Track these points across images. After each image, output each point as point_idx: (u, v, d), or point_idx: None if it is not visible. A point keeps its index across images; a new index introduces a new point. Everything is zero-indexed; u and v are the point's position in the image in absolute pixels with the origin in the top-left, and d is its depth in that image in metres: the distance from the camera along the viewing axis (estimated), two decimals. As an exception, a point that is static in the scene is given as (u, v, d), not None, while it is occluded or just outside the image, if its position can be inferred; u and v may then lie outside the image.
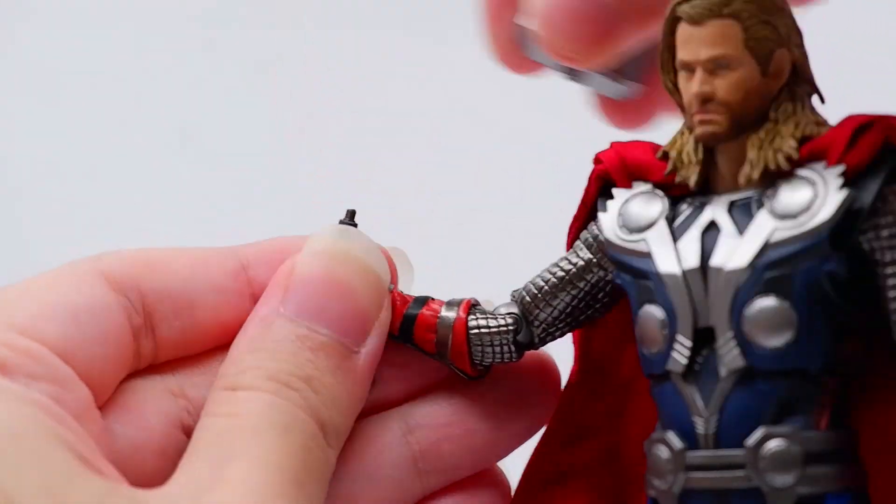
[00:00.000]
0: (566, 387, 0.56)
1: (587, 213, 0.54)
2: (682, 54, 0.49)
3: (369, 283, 0.51)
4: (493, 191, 0.99)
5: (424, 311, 0.54)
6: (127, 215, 1.10)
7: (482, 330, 0.54)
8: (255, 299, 0.52)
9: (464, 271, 0.86)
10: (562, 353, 0.57)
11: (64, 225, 1.10)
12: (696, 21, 0.48)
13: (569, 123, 1.01)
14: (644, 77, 0.57)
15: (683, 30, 0.49)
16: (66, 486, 0.43)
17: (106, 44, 1.10)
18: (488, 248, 0.97)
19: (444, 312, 0.54)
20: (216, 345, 0.52)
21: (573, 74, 0.57)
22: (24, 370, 0.45)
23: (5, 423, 0.43)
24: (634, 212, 0.51)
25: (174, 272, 0.52)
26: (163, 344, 0.52)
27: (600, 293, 0.53)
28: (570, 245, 0.54)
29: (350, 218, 0.55)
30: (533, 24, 0.52)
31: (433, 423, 0.55)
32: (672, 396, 0.49)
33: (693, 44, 0.49)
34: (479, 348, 0.54)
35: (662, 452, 0.49)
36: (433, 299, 0.55)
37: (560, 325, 0.54)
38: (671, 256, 0.49)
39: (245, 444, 0.46)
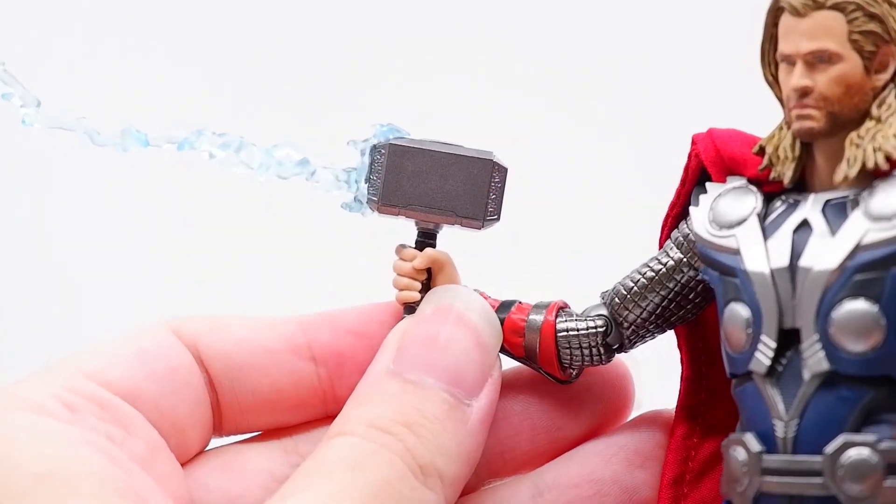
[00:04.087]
0: (682, 391, 0.54)
1: (683, 206, 0.52)
2: (784, 46, 0.48)
3: (481, 343, 0.51)
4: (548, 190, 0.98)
5: (512, 314, 0.53)
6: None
7: (570, 332, 0.53)
8: (314, 361, 0.54)
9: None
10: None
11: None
12: (799, 12, 0.47)
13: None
14: None
15: (786, 21, 0.48)
16: None
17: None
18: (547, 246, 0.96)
19: (532, 316, 0.53)
20: (272, 407, 0.54)
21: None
22: (91, 412, 0.48)
23: (57, 465, 0.45)
24: (726, 207, 0.50)
25: (230, 334, 0.54)
26: (223, 405, 0.54)
27: (691, 293, 0.52)
28: (663, 239, 0.53)
29: (428, 237, 0.55)
30: None
31: (563, 485, 0.54)
32: (753, 398, 0.48)
33: (795, 36, 0.47)
34: (568, 351, 0.53)
35: (739, 454, 0.47)
36: (521, 302, 0.54)
37: (650, 327, 0.53)
38: (760, 254, 0.48)
39: (308, 481, 0.47)
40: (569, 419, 0.55)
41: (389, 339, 0.52)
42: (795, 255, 0.47)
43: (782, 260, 0.47)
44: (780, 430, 0.46)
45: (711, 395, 0.54)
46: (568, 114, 1.04)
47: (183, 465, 0.52)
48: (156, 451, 0.50)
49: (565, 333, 0.53)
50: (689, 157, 0.52)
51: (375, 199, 0.54)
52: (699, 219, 0.50)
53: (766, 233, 0.48)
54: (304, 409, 0.55)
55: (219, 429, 0.55)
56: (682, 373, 0.55)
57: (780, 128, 0.49)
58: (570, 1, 1.09)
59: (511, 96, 1.06)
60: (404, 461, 0.48)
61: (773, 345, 0.47)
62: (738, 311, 0.48)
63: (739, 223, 0.49)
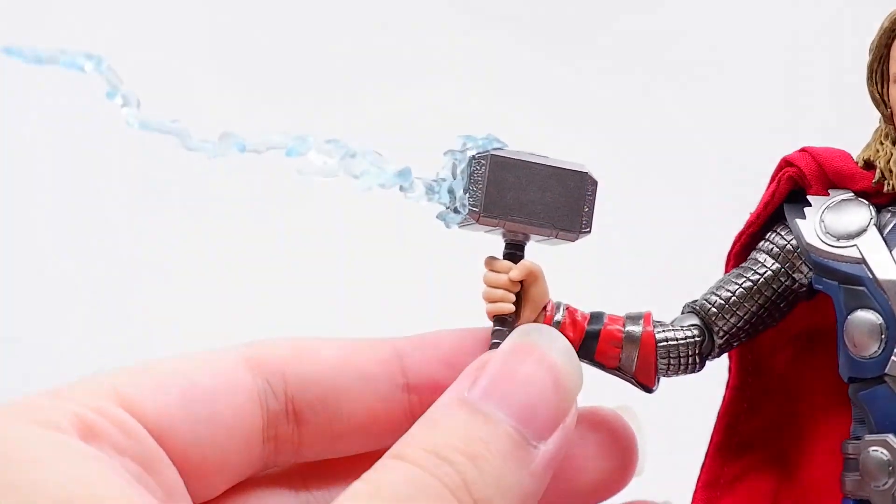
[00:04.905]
0: (726, 398, 0.56)
1: (761, 225, 0.54)
2: None
3: (559, 385, 0.50)
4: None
5: (608, 326, 0.53)
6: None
7: (670, 343, 0.53)
8: (408, 389, 0.52)
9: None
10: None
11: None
12: (921, 35, 0.50)
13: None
14: None
15: None
16: None
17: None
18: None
19: (630, 327, 0.53)
20: (364, 434, 0.52)
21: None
22: (111, 441, 0.45)
23: (81, 488, 0.42)
24: (839, 219, 0.52)
25: (321, 360, 0.52)
26: (309, 431, 0.52)
27: (782, 302, 0.54)
28: (734, 254, 0.55)
29: (518, 249, 0.54)
30: None
31: None
32: (888, 400, 0.50)
33: (916, 57, 0.50)
34: (666, 361, 0.53)
35: (882, 454, 0.50)
36: (610, 314, 0.54)
37: (741, 335, 0.54)
38: (888, 263, 0.50)
39: None
40: (578, 471, 0.55)
41: (470, 368, 0.51)
42: (924, 263, 0.50)
43: (913, 268, 0.50)
44: (922, 429, 0.49)
45: (751, 405, 0.56)
46: (574, 125, 1.03)
47: None
48: (171, 496, 0.47)
49: (665, 344, 0.53)
50: (780, 179, 0.53)
51: (477, 209, 0.52)
52: (809, 230, 0.52)
53: (888, 243, 0.51)
54: (395, 434, 0.51)
55: (297, 454, 0.52)
56: (728, 381, 0.57)
57: (881, 142, 0.52)
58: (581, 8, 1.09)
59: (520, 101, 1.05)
60: (458, 497, 0.46)
61: (912, 349, 0.50)
62: (868, 318, 0.50)
63: (858, 234, 0.51)
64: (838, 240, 0.52)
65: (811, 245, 0.52)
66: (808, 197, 0.53)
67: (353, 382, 0.52)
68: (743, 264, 0.54)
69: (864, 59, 0.53)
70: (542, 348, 0.50)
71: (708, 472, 0.55)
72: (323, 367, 0.51)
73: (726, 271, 0.56)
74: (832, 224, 0.52)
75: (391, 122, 1.01)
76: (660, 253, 0.99)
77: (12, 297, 1.08)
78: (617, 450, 0.55)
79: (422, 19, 1.09)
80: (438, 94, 1.06)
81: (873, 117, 0.54)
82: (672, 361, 0.54)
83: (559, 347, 0.51)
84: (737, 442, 0.56)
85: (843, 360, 0.52)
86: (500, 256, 0.54)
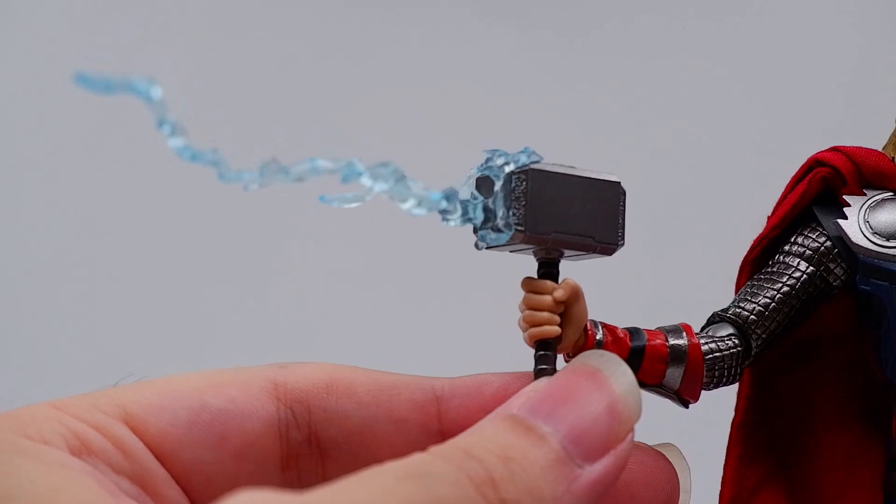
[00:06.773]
0: (741, 409, 0.54)
1: (784, 228, 0.52)
2: None
3: (614, 411, 0.46)
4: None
5: (651, 342, 0.50)
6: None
7: (716, 355, 0.51)
8: (441, 435, 0.48)
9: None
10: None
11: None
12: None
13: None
14: None
15: None
16: None
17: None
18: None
19: (674, 340, 0.50)
20: None
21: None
22: (107, 459, 0.43)
23: (62, 492, 0.40)
24: (885, 218, 0.51)
25: (351, 395, 0.49)
26: (333, 465, 0.49)
27: (811, 304, 0.52)
28: (759, 251, 0.53)
29: (553, 267, 0.50)
30: None
31: None
32: (947, 402, 0.49)
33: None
34: (711, 374, 0.51)
35: None
36: (644, 329, 0.51)
37: (775, 342, 0.52)
38: (945, 262, 0.50)
39: (347, 484, 0.41)
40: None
41: (524, 389, 0.47)
42: (975, 261, 0.50)
43: (967, 267, 0.49)
44: (983, 431, 0.49)
45: (764, 414, 0.55)
46: (578, 129, 0.97)
47: None
48: None
49: (711, 356, 0.51)
50: (812, 179, 0.52)
51: (522, 227, 0.48)
52: (855, 231, 0.51)
53: None
54: None
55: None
56: (739, 391, 0.55)
57: None
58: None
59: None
60: (479, 489, 0.42)
61: (971, 351, 0.49)
62: None
63: None
64: (888, 240, 0.50)
65: (859, 246, 0.51)
66: (846, 197, 0.52)
67: (382, 425, 0.48)
68: (770, 269, 0.52)
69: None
70: (602, 372, 0.47)
71: (731, 486, 0.53)
72: (353, 404, 0.48)
73: (743, 277, 0.54)
74: (879, 224, 0.51)
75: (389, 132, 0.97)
76: (654, 263, 0.97)
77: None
78: (657, 491, 0.51)
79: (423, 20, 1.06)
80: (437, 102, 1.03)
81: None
82: (716, 374, 0.51)
83: (621, 373, 0.47)
84: (754, 452, 0.54)
85: (894, 362, 0.51)
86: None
